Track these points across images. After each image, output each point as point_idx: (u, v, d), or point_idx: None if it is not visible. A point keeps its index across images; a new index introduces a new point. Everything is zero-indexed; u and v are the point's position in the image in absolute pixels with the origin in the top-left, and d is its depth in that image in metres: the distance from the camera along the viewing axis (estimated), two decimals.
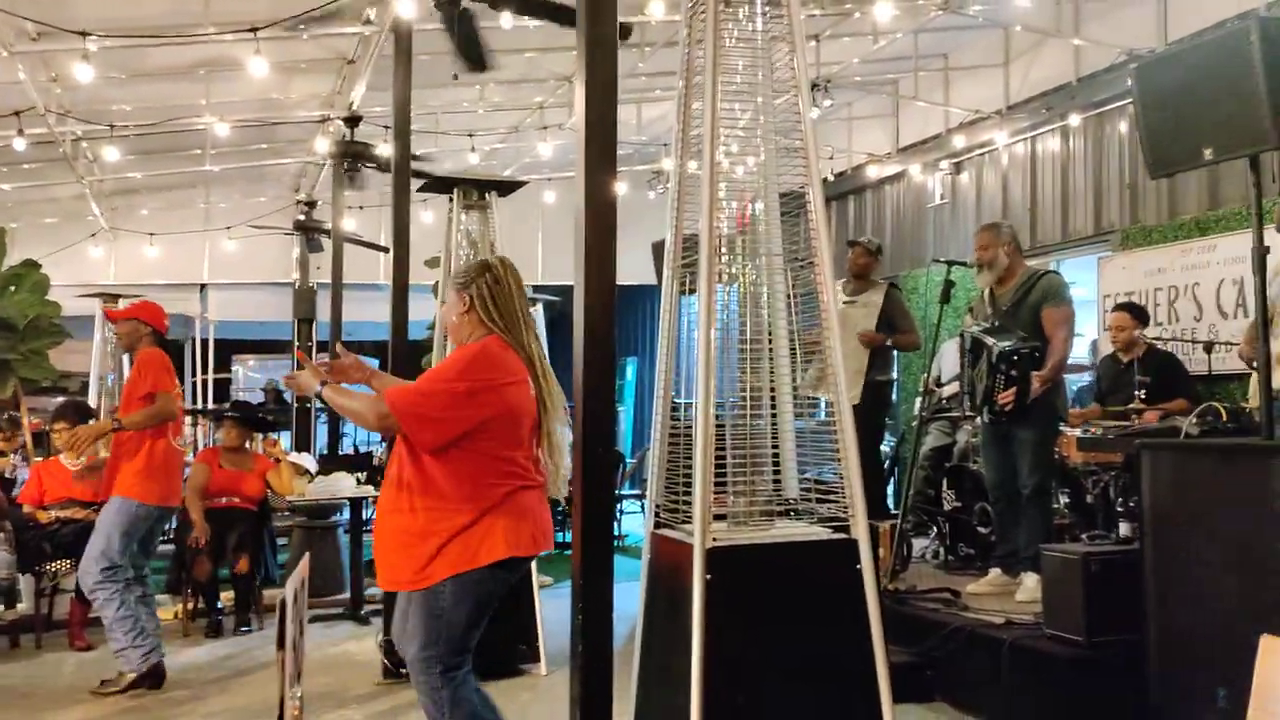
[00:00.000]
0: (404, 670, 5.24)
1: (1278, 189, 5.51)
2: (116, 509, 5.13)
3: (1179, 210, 7.48)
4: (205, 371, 13.94)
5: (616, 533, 9.67)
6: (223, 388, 15.99)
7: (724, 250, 3.17)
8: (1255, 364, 4.13)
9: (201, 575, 6.58)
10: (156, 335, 5.42)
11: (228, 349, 16.27)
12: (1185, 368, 6.50)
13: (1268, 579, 3.41)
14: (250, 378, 17.47)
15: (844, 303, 6.64)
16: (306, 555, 4.00)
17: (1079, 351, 6.91)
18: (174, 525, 6.93)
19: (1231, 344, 6.29)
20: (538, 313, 13.77)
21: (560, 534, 8.17)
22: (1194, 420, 5.26)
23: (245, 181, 12.40)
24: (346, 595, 7.21)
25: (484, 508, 3.12)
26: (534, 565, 5.44)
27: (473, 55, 5.93)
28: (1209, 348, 6.38)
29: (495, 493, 3.15)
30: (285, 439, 10.65)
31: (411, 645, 3.16)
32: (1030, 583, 5.15)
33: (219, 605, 6.73)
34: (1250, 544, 3.48)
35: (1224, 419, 5.36)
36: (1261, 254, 3.78)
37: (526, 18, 6.63)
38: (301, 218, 11.43)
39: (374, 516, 3.56)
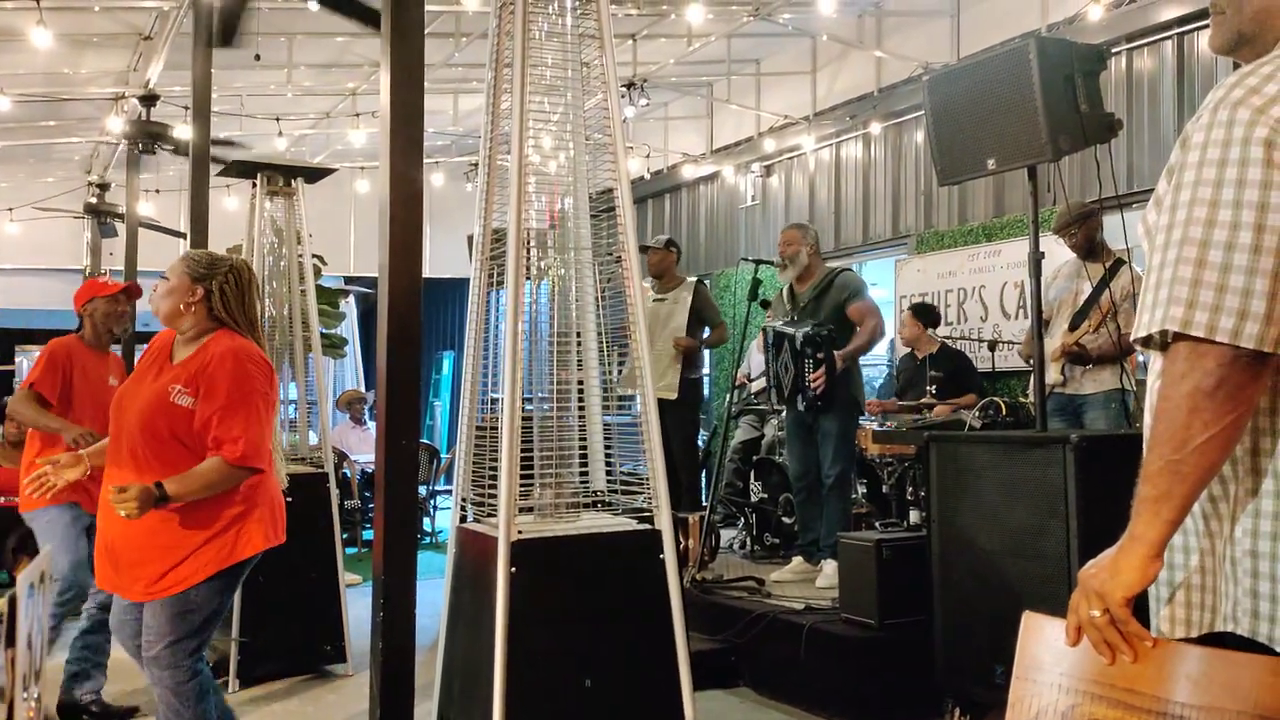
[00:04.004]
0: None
1: (1053, 198, 5.91)
2: None
3: (968, 217, 7.94)
4: None
5: (431, 529, 9.52)
6: (6, 380, 14.94)
7: (533, 245, 3.18)
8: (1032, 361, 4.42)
9: None
10: None
11: (10, 339, 15.24)
12: (974, 365, 6.91)
13: (1038, 561, 3.66)
14: None
15: (654, 300, 6.73)
16: (48, 547, 3.67)
17: (878, 350, 7.23)
18: None
19: (1014, 343, 6.71)
20: (350, 305, 13.43)
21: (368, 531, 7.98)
22: (977, 414, 5.61)
23: (31, 160, 11.64)
24: None
25: (245, 503, 3.05)
26: (340, 563, 5.32)
27: (225, 27, 5.69)
28: (993, 346, 6.79)
29: (249, 487, 3.08)
30: None
31: (158, 643, 3.02)
32: (829, 569, 5.36)
33: None
34: (1023, 529, 3.73)
35: (1004, 413, 5.76)
36: (1037, 259, 4.07)
37: None
38: (93, 200, 10.80)
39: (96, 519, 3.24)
